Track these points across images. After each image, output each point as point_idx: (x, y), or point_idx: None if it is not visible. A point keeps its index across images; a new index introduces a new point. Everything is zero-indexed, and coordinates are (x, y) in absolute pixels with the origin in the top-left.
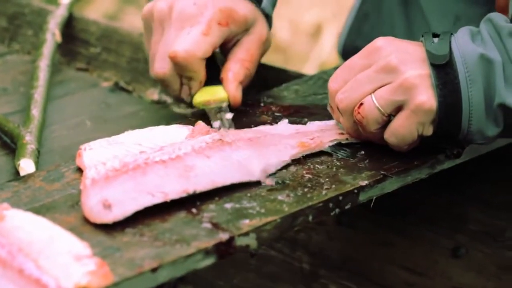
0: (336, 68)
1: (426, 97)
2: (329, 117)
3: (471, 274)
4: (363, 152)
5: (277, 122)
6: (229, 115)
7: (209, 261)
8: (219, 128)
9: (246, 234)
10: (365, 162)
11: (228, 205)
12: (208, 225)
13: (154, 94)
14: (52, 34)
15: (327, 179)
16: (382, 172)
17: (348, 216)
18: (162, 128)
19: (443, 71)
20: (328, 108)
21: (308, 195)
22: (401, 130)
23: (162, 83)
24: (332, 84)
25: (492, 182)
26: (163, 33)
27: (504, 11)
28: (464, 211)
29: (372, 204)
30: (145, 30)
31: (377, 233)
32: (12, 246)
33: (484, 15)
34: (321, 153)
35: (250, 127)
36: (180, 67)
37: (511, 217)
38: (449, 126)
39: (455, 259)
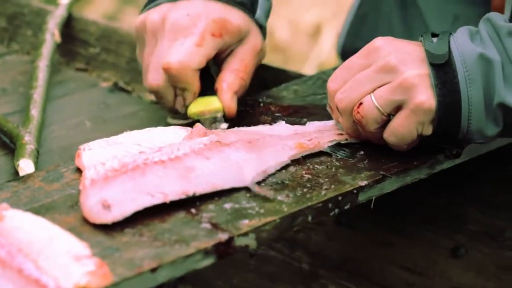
0: (335, 68)
1: (425, 96)
2: (328, 117)
3: (471, 274)
4: (362, 152)
5: (276, 122)
6: (224, 125)
7: (209, 261)
8: None
9: (245, 234)
10: (365, 162)
11: (227, 205)
12: (208, 225)
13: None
14: (52, 34)
15: (326, 180)
16: (382, 172)
17: (347, 216)
18: (160, 130)
19: (442, 70)
20: (328, 108)
21: (308, 196)
22: (401, 129)
23: (156, 95)
24: (331, 84)
25: (492, 182)
26: (156, 44)
27: (500, 11)
28: (464, 211)
29: (372, 204)
30: (138, 41)
31: (377, 233)
32: (12, 246)
33: (483, 16)
34: (320, 153)
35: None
36: (174, 79)
37: (511, 217)
38: (448, 126)
39: (455, 259)
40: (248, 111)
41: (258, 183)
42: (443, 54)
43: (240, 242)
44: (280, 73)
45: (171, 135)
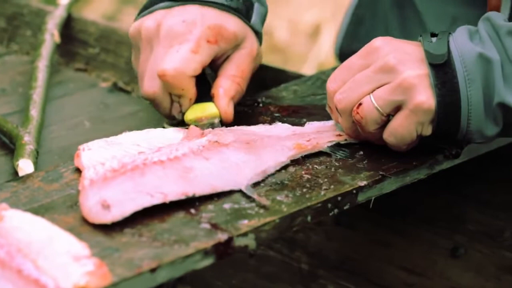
0: (334, 68)
1: (425, 96)
2: (327, 117)
3: (470, 274)
4: (361, 153)
5: (275, 122)
6: None
7: (208, 261)
8: None
9: (244, 234)
10: (364, 162)
11: (226, 206)
12: (207, 226)
13: None
14: (51, 34)
15: (325, 180)
16: (381, 173)
17: (346, 216)
18: (159, 130)
19: (442, 70)
20: (327, 109)
21: (307, 196)
22: (400, 130)
23: (152, 102)
24: (331, 84)
25: (491, 182)
26: (152, 51)
27: (497, 11)
28: (463, 211)
29: (371, 204)
30: (133, 49)
31: (376, 233)
32: (11, 246)
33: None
34: (319, 153)
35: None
36: (169, 86)
37: (510, 217)
38: (448, 126)
39: (454, 259)
40: (247, 111)
41: (257, 183)
42: (443, 54)
43: (239, 242)
44: (280, 73)
45: (170, 136)
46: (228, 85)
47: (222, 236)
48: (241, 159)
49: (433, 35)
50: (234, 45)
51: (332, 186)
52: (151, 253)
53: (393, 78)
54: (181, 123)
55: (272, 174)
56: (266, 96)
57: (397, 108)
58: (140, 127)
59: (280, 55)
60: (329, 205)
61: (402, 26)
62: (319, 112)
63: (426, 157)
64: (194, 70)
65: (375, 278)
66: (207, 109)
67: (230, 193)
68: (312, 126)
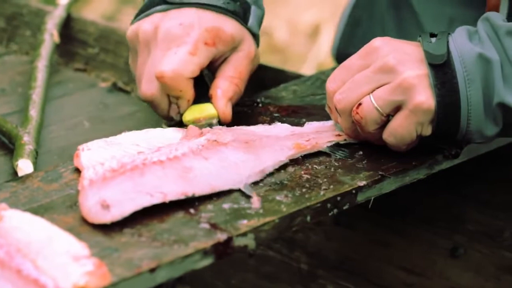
0: (334, 68)
1: (424, 97)
2: (327, 117)
3: (469, 275)
4: (361, 153)
5: (275, 123)
6: None
7: (207, 261)
8: None
9: (244, 234)
10: (363, 162)
11: (226, 205)
12: (206, 226)
13: None
14: (50, 34)
15: (325, 180)
16: (380, 173)
17: (346, 216)
18: (158, 130)
19: (441, 71)
20: (326, 109)
21: (306, 196)
22: (400, 130)
23: (150, 104)
24: (330, 84)
25: (490, 182)
26: (149, 54)
27: (495, 12)
28: (462, 211)
29: (370, 204)
30: (130, 51)
31: (375, 233)
32: (10, 246)
33: (479, 18)
34: (319, 153)
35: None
36: (167, 87)
37: (509, 217)
38: (447, 126)
39: (453, 259)
40: (247, 111)
41: (257, 183)
42: (442, 55)
43: (238, 242)
44: (279, 74)
45: (169, 136)
46: (226, 86)
47: (221, 236)
48: (239, 158)
49: (433, 35)
50: (231, 48)
51: (331, 186)
52: (151, 253)
53: (392, 78)
54: (179, 124)
55: (272, 174)
56: (265, 96)
57: (397, 108)
58: (139, 127)
59: (280, 55)
60: (329, 205)
61: (399, 27)
62: (319, 112)
63: (426, 157)
64: (192, 71)
65: (374, 278)
66: (205, 110)
67: (229, 193)
68: (311, 126)
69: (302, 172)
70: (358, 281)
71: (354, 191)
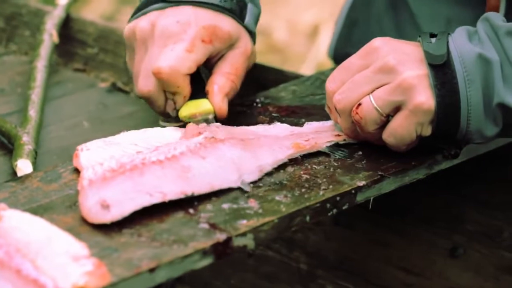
0: (333, 68)
1: (424, 97)
2: (326, 117)
3: (469, 275)
4: (360, 153)
5: (274, 123)
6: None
7: (207, 261)
8: None
9: (243, 234)
10: (363, 162)
11: (225, 206)
12: (206, 226)
13: None
14: (50, 34)
15: (324, 180)
16: (380, 173)
17: (345, 216)
18: (157, 130)
19: (441, 71)
20: (326, 109)
21: (306, 196)
22: (400, 130)
23: (147, 101)
24: (330, 84)
25: (490, 183)
26: (146, 51)
27: (495, 12)
28: (462, 212)
29: (370, 205)
30: (127, 49)
31: (375, 233)
32: (10, 246)
33: (476, 18)
34: (318, 153)
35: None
36: (164, 83)
37: (509, 217)
38: (447, 126)
39: (453, 259)
40: (246, 111)
41: (257, 184)
42: (442, 55)
43: (238, 242)
44: (278, 74)
45: (167, 135)
46: (223, 82)
47: (220, 236)
48: (236, 155)
49: (432, 35)
50: (228, 45)
51: (331, 186)
52: (150, 253)
53: (392, 78)
54: (176, 120)
55: (271, 174)
56: (264, 96)
57: (397, 109)
58: (138, 127)
59: (279, 55)
60: (328, 205)
61: (397, 28)
62: (318, 112)
63: (425, 157)
64: (189, 68)
65: (373, 278)
66: (201, 106)
67: (229, 193)
68: (311, 126)
69: (302, 172)
70: (357, 281)
71: (353, 191)
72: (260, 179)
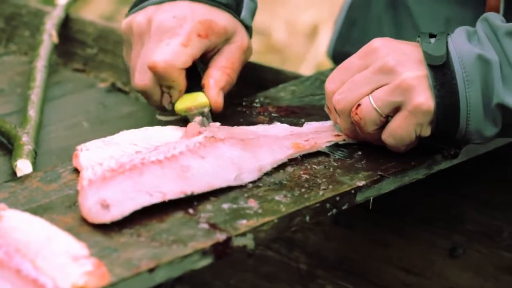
0: (333, 69)
1: (424, 98)
2: (326, 117)
3: (469, 275)
4: (360, 153)
5: (273, 123)
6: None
7: (206, 261)
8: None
9: (243, 234)
10: (362, 162)
11: (225, 205)
12: (205, 226)
13: None
14: (49, 35)
15: (324, 180)
16: (379, 173)
17: (345, 216)
18: (156, 129)
19: (441, 71)
20: (326, 109)
21: (305, 196)
22: (399, 131)
23: (143, 95)
24: (329, 85)
25: (489, 183)
26: (143, 46)
27: (495, 12)
28: (461, 212)
29: (371, 205)
30: (125, 44)
31: (374, 233)
32: (9, 246)
33: (476, 18)
34: (318, 153)
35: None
36: (160, 77)
37: (508, 217)
38: (447, 127)
39: (453, 259)
40: (246, 111)
41: (256, 184)
42: (441, 56)
43: (238, 242)
44: (278, 74)
45: (167, 134)
46: (219, 76)
47: (220, 236)
48: (235, 155)
49: (432, 35)
50: (224, 39)
51: (330, 186)
52: (150, 253)
53: (392, 79)
54: (173, 113)
55: (270, 174)
56: (264, 96)
57: (396, 109)
58: (138, 127)
59: (278, 56)
60: (328, 205)
61: (395, 28)
62: (318, 113)
63: (425, 157)
64: (184, 62)
65: (373, 278)
66: (197, 99)
67: (228, 192)
68: (310, 126)
69: (301, 172)
70: (357, 281)
71: (353, 191)
72: (259, 179)
